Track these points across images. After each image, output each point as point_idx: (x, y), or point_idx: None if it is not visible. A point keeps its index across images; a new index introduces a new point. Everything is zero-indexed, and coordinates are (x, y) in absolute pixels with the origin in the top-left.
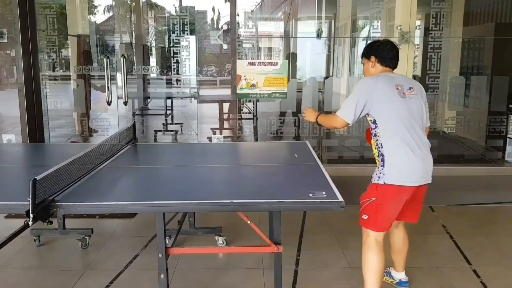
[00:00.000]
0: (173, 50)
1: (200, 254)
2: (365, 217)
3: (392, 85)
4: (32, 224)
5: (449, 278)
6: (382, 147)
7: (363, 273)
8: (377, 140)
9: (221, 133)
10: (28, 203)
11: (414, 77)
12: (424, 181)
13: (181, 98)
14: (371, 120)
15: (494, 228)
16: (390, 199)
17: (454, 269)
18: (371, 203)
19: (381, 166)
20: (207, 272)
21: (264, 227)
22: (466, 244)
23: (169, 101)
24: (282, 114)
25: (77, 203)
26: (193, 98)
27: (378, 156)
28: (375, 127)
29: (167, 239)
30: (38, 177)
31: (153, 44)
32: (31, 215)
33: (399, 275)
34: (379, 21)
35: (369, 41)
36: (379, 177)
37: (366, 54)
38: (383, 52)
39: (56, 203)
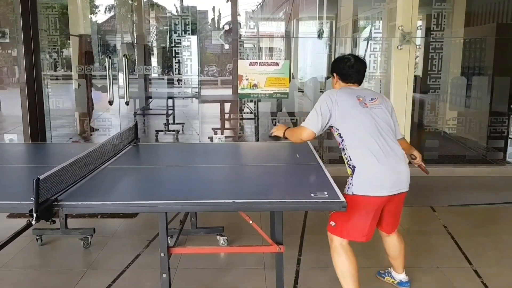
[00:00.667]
0: (175, 50)
1: (201, 253)
2: (332, 223)
3: (353, 96)
4: (35, 223)
5: (450, 278)
6: (351, 159)
7: (339, 278)
8: (345, 153)
9: (222, 133)
10: (32, 202)
11: (415, 77)
12: (396, 190)
13: (183, 98)
14: (337, 134)
15: (495, 229)
16: (358, 209)
17: (455, 269)
18: (338, 212)
19: (350, 177)
20: (209, 271)
21: (265, 227)
22: (467, 244)
23: (170, 101)
24: (291, 114)
25: (79, 203)
26: (194, 98)
27: (349, 168)
28: (342, 140)
29: (169, 239)
30: (41, 177)
31: (155, 44)
32: (35, 215)
33: (400, 276)
34: (381, 21)
35: (370, 42)
36: (348, 188)
37: (331, 70)
38: (343, 70)
39: (59, 203)
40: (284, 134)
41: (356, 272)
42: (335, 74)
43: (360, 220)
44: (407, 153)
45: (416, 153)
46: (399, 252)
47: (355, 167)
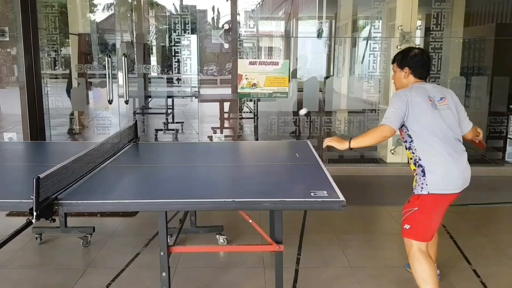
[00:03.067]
0: (174, 49)
1: (201, 252)
2: (407, 226)
3: (426, 97)
4: (35, 221)
5: (449, 277)
6: (420, 160)
7: (418, 284)
8: (413, 153)
9: (221, 132)
10: (32, 201)
11: None
12: (463, 187)
13: (182, 97)
14: (406, 134)
15: (494, 228)
16: (434, 208)
17: (454, 269)
18: (413, 213)
19: (422, 177)
20: (208, 270)
21: (265, 226)
22: (466, 244)
23: (170, 100)
24: (295, 113)
25: (79, 201)
26: (194, 97)
27: (416, 167)
28: (411, 141)
29: (168, 238)
30: (41, 175)
31: (154, 43)
32: (35, 213)
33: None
34: (380, 21)
35: (369, 41)
36: (422, 188)
37: (400, 63)
38: (417, 64)
39: (59, 201)
40: (350, 146)
41: (436, 276)
42: (406, 69)
43: (435, 219)
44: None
45: (479, 130)
46: (435, 248)
47: (424, 167)
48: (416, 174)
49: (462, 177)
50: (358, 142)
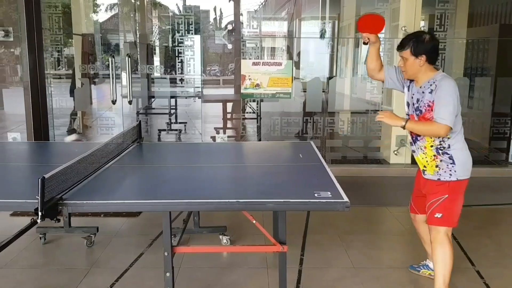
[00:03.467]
0: (177, 50)
1: (204, 253)
2: (438, 215)
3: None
4: (40, 221)
5: (452, 278)
6: (449, 148)
7: (435, 269)
8: (443, 141)
9: (224, 133)
10: (37, 201)
11: None
12: None
13: (185, 98)
14: None
15: (497, 229)
16: (462, 193)
17: (458, 270)
18: (443, 201)
19: (450, 164)
20: (212, 270)
21: (268, 226)
22: (470, 245)
23: (173, 100)
24: (307, 114)
25: (84, 202)
26: (197, 98)
27: (441, 155)
28: None
29: (172, 238)
30: (46, 176)
31: (157, 43)
32: (40, 213)
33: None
34: None
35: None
36: (450, 174)
37: (414, 51)
38: (433, 50)
39: (63, 201)
40: (405, 126)
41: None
42: (424, 57)
43: (461, 204)
44: None
45: None
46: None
47: (451, 154)
48: (441, 161)
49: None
50: (414, 128)
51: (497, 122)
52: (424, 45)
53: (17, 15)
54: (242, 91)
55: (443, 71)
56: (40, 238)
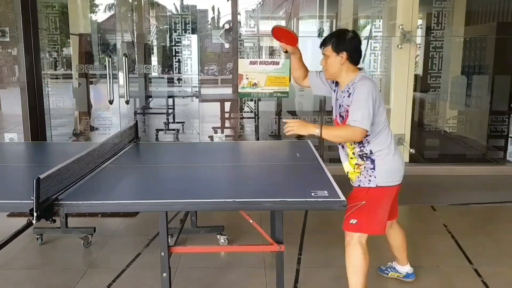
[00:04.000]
0: (175, 49)
1: (202, 253)
2: (353, 221)
3: (377, 88)
4: (36, 222)
5: (451, 277)
6: (372, 153)
7: (348, 276)
8: (364, 147)
9: (222, 132)
10: (32, 201)
11: (416, 76)
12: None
13: (183, 97)
14: None
15: (495, 228)
16: (383, 200)
17: (456, 268)
18: (360, 208)
19: (370, 169)
20: (209, 270)
21: (266, 226)
22: (468, 243)
23: (170, 100)
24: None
25: (80, 202)
26: (194, 97)
27: (363, 161)
28: (368, 135)
29: (169, 238)
30: (41, 176)
31: (155, 43)
32: (35, 214)
33: (405, 268)
34: (381, 20)
35: (370, 41)
36: (369, 181)
37: (335, 47)
38: (355, 48)
39: (59, 202)
40: (321, 134)
41: (368, 271)
42: (345, 54)
43: (384, 212)
44: None
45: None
46: (403, 240)
47: (375, 160)
48: (364, 167)
49: (403, 168)
50: (329, 135)
51: (495, 120)
52: (345, 42)
53: (14, 15)
54: (239, 90)
55: (440, 70)
56: (37, 238)
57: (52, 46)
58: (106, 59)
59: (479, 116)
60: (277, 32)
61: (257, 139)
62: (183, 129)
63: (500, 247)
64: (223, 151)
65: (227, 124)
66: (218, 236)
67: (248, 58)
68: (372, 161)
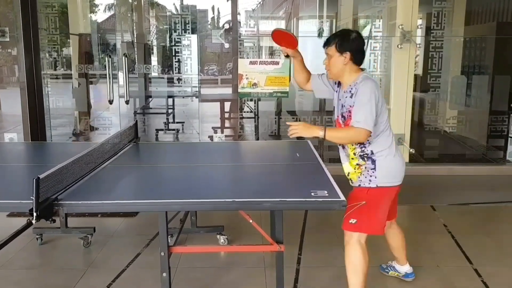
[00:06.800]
0: (175, 49)
1: (202, 253)
2: (352, 221)
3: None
4: (35, 222)
5: (450, 277)
6: (373, 154)
7: (347, 276)
8: (363, 147)
9: (222, 132)
10: (32, 201)
11: (416, 76)
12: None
13: (183, 97)
14: None
15: (495, 227)
16: (383, 201)
17: (455, 268)
18: (360, 207)
19: (371, 169)
20: (209, 270)
21: (265, 226)
22: (467, 243)
23: (170, 100)
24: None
25: (79, 202)
26: (194, 97)
27: (364, 161)
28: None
29: (169, 238)
30: (41, 176)
31: (155, 43)
32: (35, 214)
33: (404, 268)
34: (381, 20)
35: (370, 41)
36: (370, 181)
37: (339, 47)
38: (359, 48)
39: (59, 202)
40: (324, 136)
41: (367, 271)
42: (348, 54)
43: (384, 212)
44: None
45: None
46: (401, 241)
47: (376, 160)
48: (365, 168)
49: (404, 167)
50: (333, 137)
51: (495, 120)
52: (349, 42)
53: (13, 15)
54: (239, 90)
55: (440, 70)
56: (37, 238)
57: (52, 46)
58: (106, 59)
59: (479, 116)
60: (277, 36)
61: (257, 139)
62: (183, 129)
63: (500, 247)
64: (223, 151)
65: (227, 124)
66: (218, 236)
67: (248, 58)
68: (373, 161)
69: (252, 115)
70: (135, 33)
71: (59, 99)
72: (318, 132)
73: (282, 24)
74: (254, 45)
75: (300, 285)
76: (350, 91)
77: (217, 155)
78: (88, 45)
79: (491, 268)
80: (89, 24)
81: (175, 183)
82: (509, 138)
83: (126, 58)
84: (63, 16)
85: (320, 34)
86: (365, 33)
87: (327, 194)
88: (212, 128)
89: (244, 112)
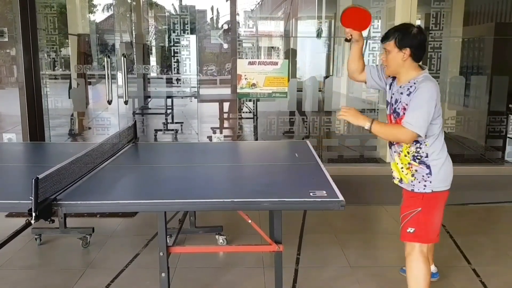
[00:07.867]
0: (173, 49)
1: (200, 253)
2: (410, 230)
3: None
4: (34, 222)
5: (449, 277)
6: (427, 157)
7: (408, 286)
8: (421, 150)
9: (221, 133)
10: (31, 201)
11: None
12: None
13: (182, 97)
14: None
15: (493, 227)
16: (439, 206)
17: (454, 268)
18: (416, 215)
19: (425, 174)
20: (208, 271)
21: (264, 226)
22: (466, 243)
23: (169, 100)
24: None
25: (78, 202)
26: (193, 97)
27: (417, 163)
28: (425, 137)
29: (168, 238)
30: (40, 176)
31: (153, 43)
32: (34, 214)
33: (431, 268)
34: (379, 20)
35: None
36: (425, 186)
37: (399, 43)
38: (423, 47)
39: (58, 202)
40: (370, 128)
41: (429, 282)
42: (408, 50)
43: (439, 218)
44: None
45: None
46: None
47: (429, 165)
48: (416, 171)
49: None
50: (378, 131)
51: (493, 120)
52: (410, 37)
53: (12, 16)
54: (238, 90)
55: (438, 70)
56: (36, 239)
57: (50, 46)
58: (105, 59)
59: (478, 116)
60: (348, 15)
61: (256, 139)
62: (181, 129)
63: (499, 247)
64: (222, 151)
65: (225, 124)
66: (216, 236)
67: (247, 58)
68: (428, 166)
69: (250, 115)
70: (134, 33)
71: (57, 99)
72: (365, 123)
73: (280, 25)
74: (253, 45)
75: (299, 285)
76: (409, 89)
77: (216, 155)
78: (87, 46)
79: (489, 268)
80: (88, 24)
81: (174, 183)
82: (508, 139)
83: (125, 59)
84: (62, 17)
85: (318, 35)
86: (364, 33)
87: (325, 194)
88: (211, 128)
89: (243, 112)
